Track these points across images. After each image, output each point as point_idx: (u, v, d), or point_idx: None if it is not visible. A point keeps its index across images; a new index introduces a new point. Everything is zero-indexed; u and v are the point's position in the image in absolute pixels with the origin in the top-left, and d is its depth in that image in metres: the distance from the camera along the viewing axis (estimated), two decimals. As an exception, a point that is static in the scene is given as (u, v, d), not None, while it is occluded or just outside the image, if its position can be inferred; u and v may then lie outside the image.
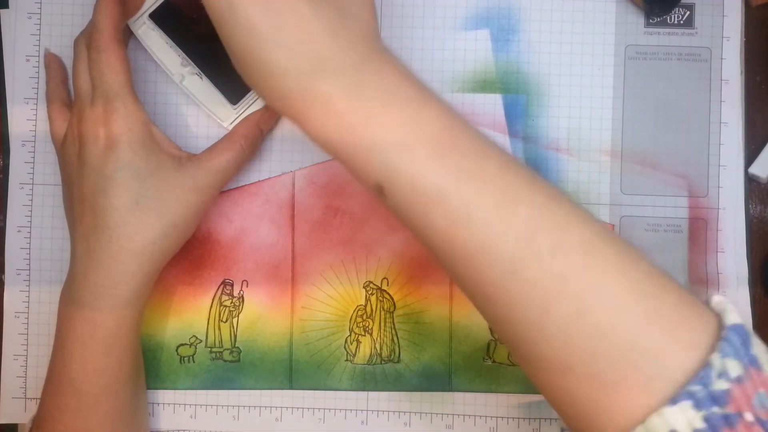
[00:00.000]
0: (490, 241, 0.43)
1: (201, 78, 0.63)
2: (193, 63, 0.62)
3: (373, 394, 0.65)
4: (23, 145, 0.66)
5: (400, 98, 0.45)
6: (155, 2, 0.62)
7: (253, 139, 0.62)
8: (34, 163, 0.66)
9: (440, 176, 0.43)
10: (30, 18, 0.66)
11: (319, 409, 0.66)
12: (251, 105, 0.63)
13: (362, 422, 0.66)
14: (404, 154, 0.44)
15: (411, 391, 0.65)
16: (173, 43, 0.62)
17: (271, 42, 0.44)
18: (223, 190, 0.64)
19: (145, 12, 0.62)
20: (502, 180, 0.44)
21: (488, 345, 0.65)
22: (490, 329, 0.65)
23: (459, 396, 0.65)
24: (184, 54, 0.62)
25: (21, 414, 0.66)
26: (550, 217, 0.43)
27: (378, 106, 0.44)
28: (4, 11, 0.66)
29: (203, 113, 0.64)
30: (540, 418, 0.65)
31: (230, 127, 0.63)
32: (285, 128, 0.65)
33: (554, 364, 0.43)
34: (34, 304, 0.66)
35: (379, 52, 0.46)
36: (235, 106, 0.62)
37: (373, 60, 0.45)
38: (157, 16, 0.62)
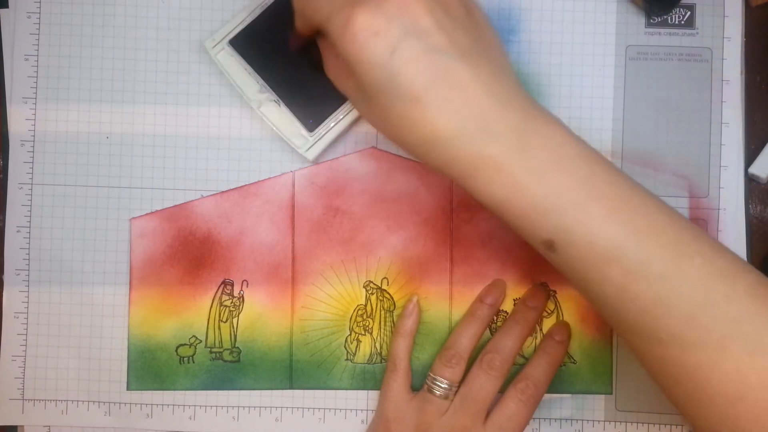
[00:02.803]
0: (667, 293, 0.46)
1: (279, 105, 0.63)
2: (271, 90, 0.62)
3: (372, 394, 0.65)
4: (22, 144, 0.66)
5: (568, 157, 0.47)
6: (235, 28, 0.62)
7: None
8: (33, 163, 0.66)
9: (616, 234, 0.46)
10: (29, 17, 0.66)
11: (319, 408, 0.65)
12: (327, 132, 0.63)
13: (362, 422, 0.65)
14: (579, 214, 0.46)
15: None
16: (252, 70, 0.62)
17: (436, 108, 0.45)
18: (224, 190, 0.64)
19: (225, 37, 0.62)
20: (674, 233, 0.47)
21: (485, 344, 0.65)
22: (490, 330, 0.65)
23: (459, 396, 0.65)
24: (262, 80, 0.62)
25: (18, 415, 0.66)
26: (720, 266, 0.47)
27: (548, 165, 0.46)
28: (3, 11, 0.66)
29: (278, 139, 0.65)
30: (540, 418, 0.65)
31: (306, 154, 0.63)
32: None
33: (729, 396, 0.46)
34: (33, 304, 0.66)
35: (536, 108, 0.48)
36: (312, 134, 0.63)
37: (536, 119, 0.47)
38: (237, 42, 0.62)
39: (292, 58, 0.62)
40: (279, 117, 0.63)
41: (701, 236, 0.48)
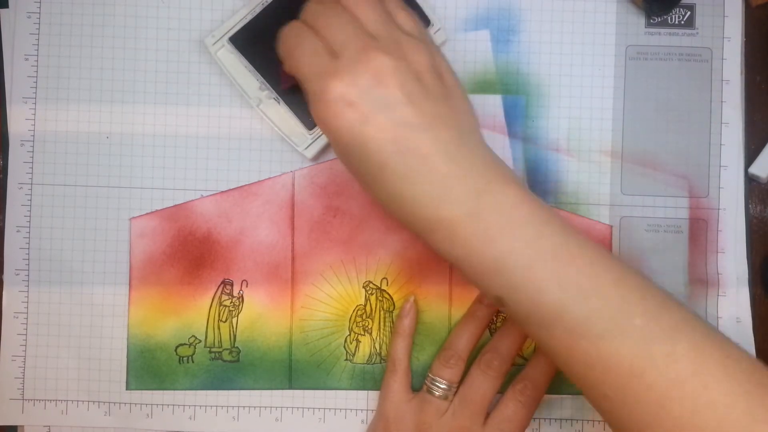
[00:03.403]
0: (608, 351, 0.47)
1: (278, 102, 0.63)
2: (271, 87, 0.63)
3: (372, 394, 0.65)
4: (22, 144, 0.66)
5: (519, 219, 0.49)
6: (236, 25, 0.62)
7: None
8: (32, 163, 0.66)
9: (559, 293, 0.48)
10: (29, 17, 0.66)
11: (319, 408, 0.65)
12: None
13: (362, 422, 0.65)
14: (525, 273, 0.48)
15: (411, 391, 0.65)
16: (252, 68, 0.62)
17: (400, 175, 0.48)
18: (224, 190, 0.65)
19: (225, 35, 0.62)
20: (617, 293, 0.48)
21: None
22: (490, 330, 0.65)
23: (459, 396, 0.65)
24: (262, 78, 0.62)
25: (18, 415, 0.66)
26: (663, 325, 0.48)
27: (498, 228, 0.48)
28: (3, 11, 0.66)
29: (278, 139, 0.65)
30: (540, 418, 0.65)
31: (305, 152, 0.63)
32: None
33: None
34: (33, 304, 0.66)
35: (496, 170, 0.50)
36: (311, 132, 0.63)
37: (492, 183, 0.49)
38: (236, 40, 0.62)
39: None
40: (278, 115, 0.63)
41: (649, 296, 0.49)
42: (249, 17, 0.62)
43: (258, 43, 0.62)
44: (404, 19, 0.53)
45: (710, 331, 0.49)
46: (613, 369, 0.47)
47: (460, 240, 0.48)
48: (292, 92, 0.62)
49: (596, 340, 0.47)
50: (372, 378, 0.65)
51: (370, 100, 0.48)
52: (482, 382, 0.61)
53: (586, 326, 0.47)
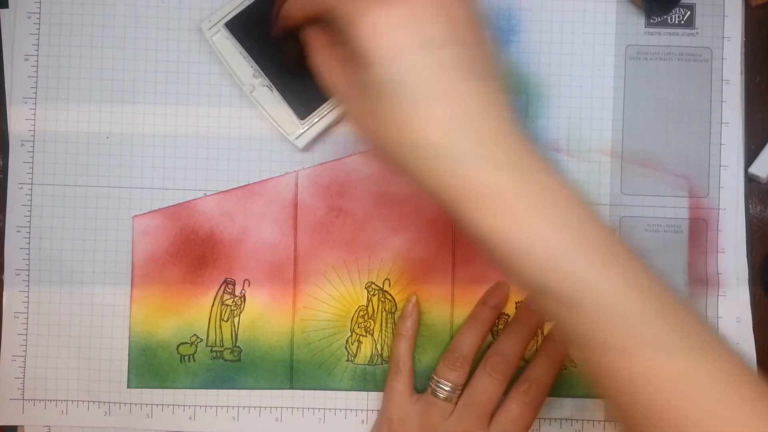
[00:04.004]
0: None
1: (271, 90, 0.63)
2: (264, 75, 0.63)
3: (373, 394, 0.65)
4: (22, 144, 0.66)
5: (568, 201, 0.44)
6: (233, 11, 0.62)
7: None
8: (33, 163, 0.66)
9: (613, 285, 0.43)
10: (29, 18, 0.66)
11: (319, 409, 0.65)
12: (319, 121, 0.63)
13: (362, 422, 0.66)
14: (575, 258, 0.43)
15: (412, 391, 0.65)
16: (246, 54, 0.63)
17: (437, 117, 0.43)
18: (227, 186, 0.65)
19: (221, 20, 0.62)
20: (661, 291, 0.44)
21: (488, 347, 0.65)
22: (492, 333, 0.65)
23: (459, 396, 0.65)
24: (256, 65, 0.63)
25: (19, 416, 0.66)
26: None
27: (540, 206, 0.43)
28: (3, 11, 0.66)
29: (269, 125, 0.65)
30: (540, 418, 0.65)
31: (296, 142, 0.63)
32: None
33: None
34: (33, 304, 0.66)
35: (533, 143, 0.45)
36: (303, 122, 0.63)
37: (534, 155, 0.44)
38: (232, 25, 0.62)
39: (287, 45, 0.62)
40: (271, 103, 0.63)
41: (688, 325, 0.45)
42: (246, 3, 0.62)
43: (254, 29, 0.62)
44: None
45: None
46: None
47: (505, 212, 0.43)
48: (286, 80, 0.62)
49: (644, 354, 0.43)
50: (373, 379, 0.65)
51: (413, 33, 0.43)
52: (488, 385, 0.61)
53: (634, 329, 0.43)
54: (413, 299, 0.65)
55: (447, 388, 0.61)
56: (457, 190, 0.43)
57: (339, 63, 0.49)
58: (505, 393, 0.62)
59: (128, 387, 0.65)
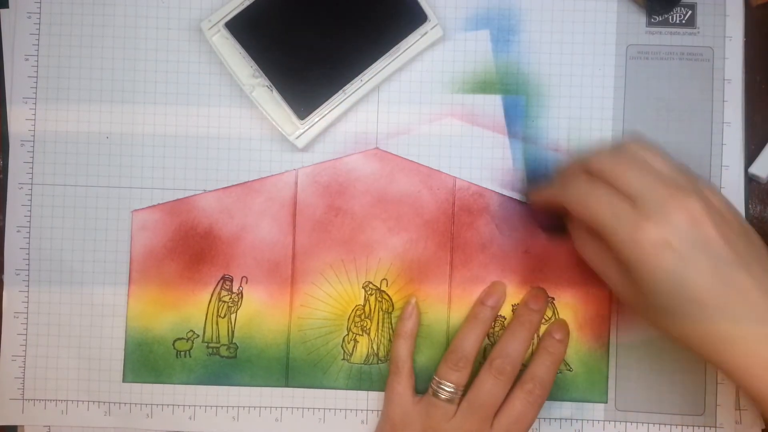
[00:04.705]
0: None
1: (271, 90, 0.63)
2: (264, 75, 0.63)
3: (373, 394, 0.65)
4: (22, 145, 0.66)
5: None
6: (233, 11, 0.62)
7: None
8: (33, 163, 0.66)
9: None
10: (29, 18, 0.66)
11: (319, 408, 0.65)
12: (319, 121, 0.63)
13: (362, 422, 0.65)
14: None
15: (410, 391, 0.65)
16: (246, 54, 0.63)
17: (720, 313, 0.50)
18: (226, 186, 0.65)
19: (221, 20, 0.63)
20: None
21: (485, 348, 0.65)
22: (489, 337, 0.65)
23: (458, 397, 0.65)
24: (256, 65, 0.63)
25: (18, 415, 0.66)
26: None
27: None
28: (3, 11, 0.66)
29: (269, 125, 0.65)
30: (540, 418, 0.65)
31: (296, 142, 0.63)
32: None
33: None
34: (33, 304, 0.66)
35: None
36: (303, 121, 0.63)
37: None
38: (232, 25, 0.62)
39: (287, 45, 0.62)
40: (271, 103, 0.63)
41: None
42: (246, 3, 0.62)
43: (254, 29, 0.62)
44: (680, 163, 0.55)
45: None
46: None
47: None
48: (286, 80, 0.62)
49: None
50: (368, 378, 0.65)
51: (688, 240, 0.50)
52: (492, 387, 0.61)
53: None
54: (413, 300, 0.64)
55: (449, 389, 0.61)
56: (746, 365, 0.50)
57: (605, 256, 0.55)
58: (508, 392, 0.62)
59: (124, 381, 0.65)
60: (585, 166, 0.56)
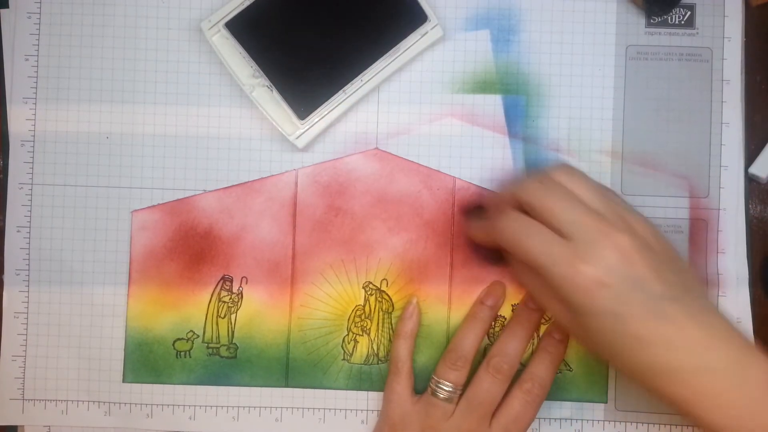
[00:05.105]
0: None
1: (271, 90, 0.63)
2: (264, 75, 0.63)
3: (373, 394, 0.65)
4: (22, 145, 0.66)
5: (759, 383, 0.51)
6: (233, 11, 0.63)
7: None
8: (33, 163, 0.66)
9: None
10: (30, 18, 0.66)
11: (319, 409, 0.65)
12: (319, 121, 0.63)
13: (362, 422, 0.65)
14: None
15: (409, 391, 0.65)
16: (246, 54, 0.63)
17: (656, 346, 0.51)
18: (226, 186, 0.65)
19: (221, 20, 0.63)
20: None
21: (485, 349, 0.65)
22: (488, 336, 0.65)
23: (458, 397, 0.65)
24: (256, 65, 0.63)
25: (18, 416, 0.66)
26: None
27: (758, 401, 0.50)
28: (3, 11, 0.66)
29: (269, 125, 0.65)
30: (540, 418, 0.65)
31: (296, 142, 0.63)
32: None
33: None
34: (33, 304, 0.66)
35: (746, 340, 0.53)
36: (303, 121, 0.63)
37: (749, 353, 0.52)
38: (232, 25, 0.63)
39: (287, 45, 0.63)
40: (271, 103, 0.63)
41: None
42: (246, 3, 0.62)
43: (254, 29, 0.63)
44: (609, 192, 0.58)
45: None
46: None
47: (722, 408, 0.50)
48: (286, 80, 0.62)
49: None
50: (369, 379, 0.65)
51: (621, 278, 0.51)
52: (490, 386, 0.61)
53: None
54: (414, 301, 0.65)
55: (448, 389, 0.61)
56: (685, 396, 0.51)
57: (547, 291, 0.56)
58: (507, 391, 0.62)
59: (124, 381, 0.65)
60: (515, 200, 0.57)
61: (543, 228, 0.54)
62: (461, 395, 0.62)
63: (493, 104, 0.65)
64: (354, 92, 0.63)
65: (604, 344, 0.53)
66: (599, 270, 0.51)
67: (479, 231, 0.62)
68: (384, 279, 0.65)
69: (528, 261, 0.54)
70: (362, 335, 0.65)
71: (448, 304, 0.65)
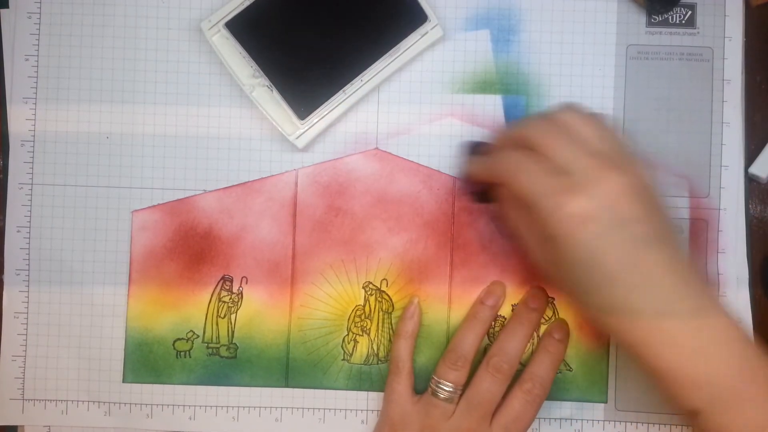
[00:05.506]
0: None
1: (271, 90, 0.63)
2: (264, 75, 0.63)
3: (372, 395, 0.65)
4: (22, 145, 0.66)
5: (732, 340, 0.52)
6: (233, 11, 0.63)
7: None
8: (33, 163, 0.66)
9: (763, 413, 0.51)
10: (30, 18, 0.66)
11: (319, 409, 0.65)
12: (319, 121, 0.63)
13: (362, 422, 0.65)
14: (731, 390, 0.51)
15: (409, 391, 0.65)
16: (246, 54, 0.63)
17: (626, 287, 0.51)
18: (226, 186, 0.65)
19: (221, 20, 0.63)
20: None
21: (485, 348, 0.65)
22: (488, 335, 0.65)
23: (458, 397, 0.65)
24: (256, 65, 0.63)
25: (18, 416, 0.66)
26: None
27: (715, 346, 0.51)
28: (4, 11, 0.66)
29: (269, 125, 0.65)
30: (540, 418, 0.65)
31: (296, 142, 0.63)
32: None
33: None
34: (33, 304, 0.66)
35: (708, 289, 0.54)
36: (303, 121, 0.63)
37: (709, 301, 0.52)
38: (233, 25, 0.63)
39: (287, 45, 0.63)
40: (271, 103, 0.63)
41: None
42: (246, 3, 0.63)
43: (254, 29, 0.63)
44: (613, 133, 0.56)
45: None
46: None
47: (676, 350, 0.51)
48: (286, 80, 0.62)
49: None
50: (368, 379, 0.65)
51: (610, 215, 0.51)
52: (490, 385, 0.61)
53: None
54: (415, 301, 0.65)
55: (448, 389, 0.61)
56: (635, 336, 0.52)
57: (528, 223, 0.55)
58: (507, 391, 0.62)
59: (124, 381, 0.65)
60: (516, 137, 0.57)
61: (540, 163, 0.53)
62: (461, 395, 0.62)
63: (493, 104, 0.65)
64: (354, 92, 0.63)
65: (574, 280, 0.53)
66: (588, 204, 0.51)
67: (476, 165, 0.61)
68: (384, 279, 0.65)
69: (519, 192, 0.54)
70: (362, 335, 0.65)
71: (448, 304, 0.65)
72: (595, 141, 0.54)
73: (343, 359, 0.65)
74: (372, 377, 0.65)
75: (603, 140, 0.54)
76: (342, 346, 0.65)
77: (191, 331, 0.65)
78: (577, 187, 0.51)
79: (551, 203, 0.52)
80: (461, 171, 0.65)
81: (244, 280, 0.65)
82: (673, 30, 0.65)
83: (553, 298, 0.65)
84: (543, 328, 0.65)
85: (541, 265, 0.56)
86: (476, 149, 0.64)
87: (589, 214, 0.51)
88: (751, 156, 0.65)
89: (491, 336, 0.65)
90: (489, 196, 0.61)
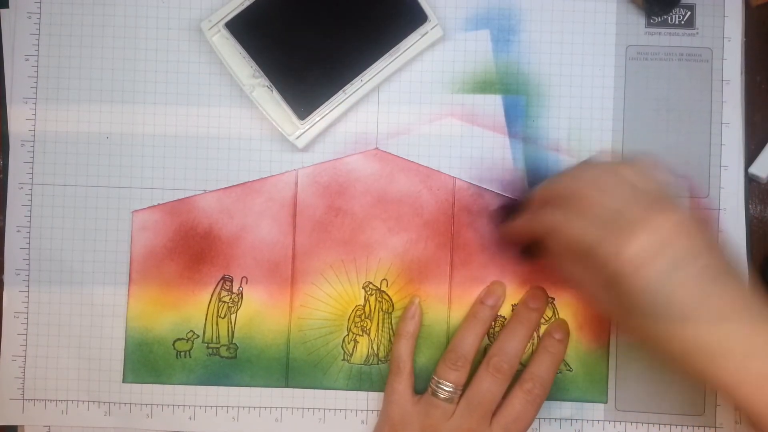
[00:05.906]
0: None
1: (271, 90, 0.63)
2: (264, 75, 0.63)
3: (372, 395, 0.65)
4: (22, 145, 0.66)
5: None
6: (233, 11, 0.63)
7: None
8: (33, 163, 0.66)
9: None
10: (30, 18, 0.66)
11: (319, 409, 0.65)
12: (319, 121, 0.63)
13: (362, 422, 0.65)
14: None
15: (409, 391, 0.65)
16: (246, 54, 0.63)
17: (705, 325, 0.49)
18: (227, 186, 0.65)
19: (221, 20, 0.63)
20: None
21: (485, 348, 0.65)
22: (488, 335, 0.65)
23: (458, 396, 0.65)
24: (256, 65, 0.63)
25: (19, 415, 0.66)
26: None
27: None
28: (4, 11, 0.66)
29: (269, 125, 0.65)
30: (540, 418, 0.65)
31: (296, 142, 0.63)
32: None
33: None
34: (33, 304, 0.66)
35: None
36: (303, 122, 0.63)
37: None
38: (232, 25, 0.63)
39: (287, 45, 0.63)
40: (271, 103, 0.63)
41: None
42: (246, 3, 0.63)
43: (254, 29, 0.63)
44: (650, 174, 0.55)
45: None
46: None
47: (763, 391, 0.49)
48: (286, 80, 0.63)
49: None
50: (368, 379, 0.65)
51: (673, 252, 0.50)
52: (490, 385, 0.61)
53: None
54: (416, 301, 0.65)
55: (448, 389, 0.61)
56: (724, 380, 0.50)
57: (588, 272, 0.54)
58: (507, 391, 0.62)
59: (124, 382, 0.66)
60: (550, 196, 0.57)
61: (585, 213, 0.53)
62: (461, 395, 0.62)
63: (493, 104, 0.65)
64: (354, 92, 0.63)
65: (649, 325, 0.51)
66: (650, 241, 0.50)
67: (519, 226, 0.60)
68: (384, 279, 0.65)
69: (572, 244, 0.53)
70: (362, 335, 0.65)
71: (448, 304, 0.65)
72: (637, 183, 0.54)
73: (343, 359, 0.65)
74: (372, 377, 0.65)
75: (645, 182, 0.54)
76: (342, 346, 0.65)
77: (191, 331, 0.65)
78: (633, 229, 0.50)
79: (611, 247, 0.51)
80: (501, 232, 0.65)
81: (244, 280, 0.65)
82: (673, 30, 0.65)
83: (553, 298, 0.65)
84: (543, 328, 0.65)
85: (605, 308, 0.55)
86: (511, 210, 0.64)
87: (652, 252, 0.50)
88: (751, 156, 0.65)
89: (491, 336, 0.65)
90: (534, 252, 0.61)
